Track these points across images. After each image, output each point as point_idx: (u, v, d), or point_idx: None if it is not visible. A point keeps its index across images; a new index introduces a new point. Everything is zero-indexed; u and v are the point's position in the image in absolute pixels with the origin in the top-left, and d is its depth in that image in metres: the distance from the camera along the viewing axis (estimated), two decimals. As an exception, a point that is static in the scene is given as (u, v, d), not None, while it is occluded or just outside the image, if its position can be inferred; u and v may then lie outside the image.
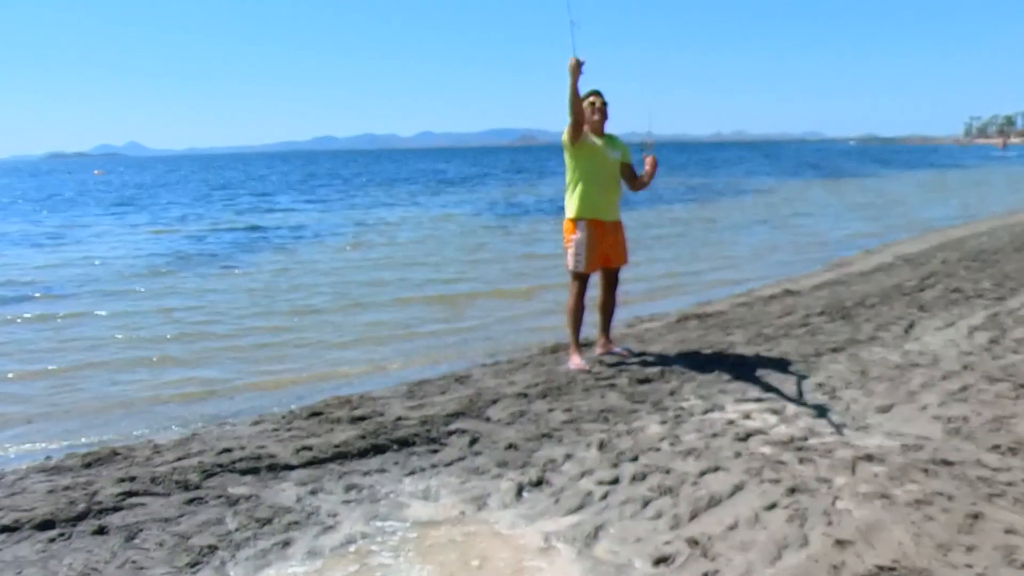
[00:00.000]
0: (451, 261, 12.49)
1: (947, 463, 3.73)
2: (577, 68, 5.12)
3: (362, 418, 4.60)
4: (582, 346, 5.85)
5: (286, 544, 3.15)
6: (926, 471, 3.64)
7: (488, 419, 4.61)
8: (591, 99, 5.50)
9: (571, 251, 5.53)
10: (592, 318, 5.98)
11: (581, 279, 5.61)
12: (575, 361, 5.63)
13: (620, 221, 5.73)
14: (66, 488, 3.65)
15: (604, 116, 5.56)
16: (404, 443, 4.22)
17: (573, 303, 5.64)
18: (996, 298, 7.74)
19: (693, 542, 3.06)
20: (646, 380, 5.29)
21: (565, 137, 5.44)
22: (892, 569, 2.80)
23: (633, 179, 5.75)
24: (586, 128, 5.48)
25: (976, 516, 3.18)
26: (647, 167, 5.64)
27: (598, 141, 5.53)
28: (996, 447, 3.92)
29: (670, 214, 20.56)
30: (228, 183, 48.17)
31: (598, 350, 5.95)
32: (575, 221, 5.52)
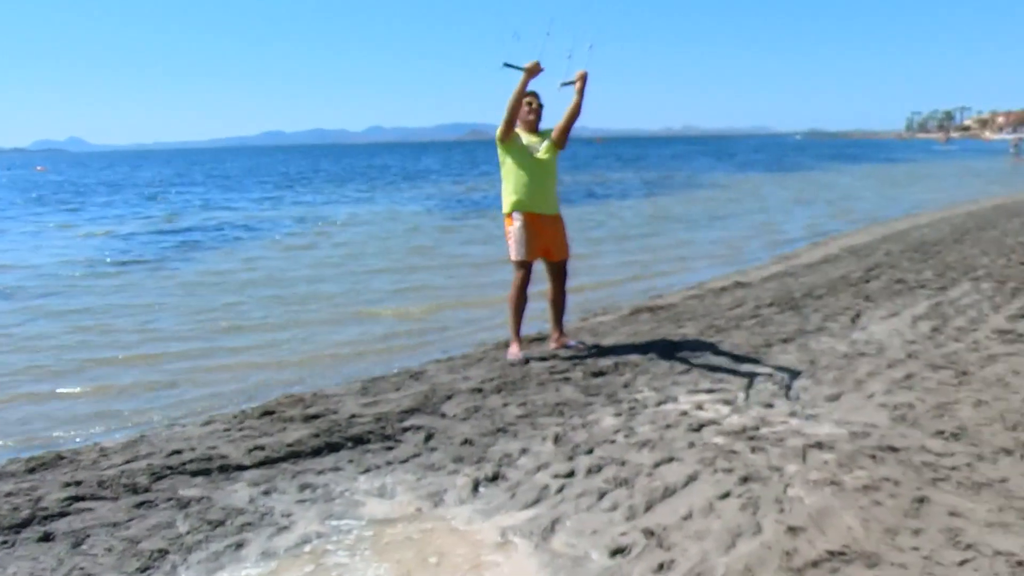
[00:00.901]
0: (400, 266, 11.80)
1: (893, 449, 3.82)
2: (535, 72, 5.36)
3: (315, 416, 4.55)
4: (538, 340, 5.88)
5: (239, 546, 3.10)
6: (873, 457, 3.73)
7: (443, 415, 4.59)
8: (528, 99, 5.66)
9: (511, 241, 5.69)
10: (545, 315, 6.02)
11: (524, 268, 5.72)
12: (513, 351, 5.73)
13: (559, 215, 5.86)
14: (8, 494, 3.53)
15: (538, 117, 5.74)
16: (359, 441, 4.18)
17: (515, 292, 5.74)
18: (938, 288, 7.96)
19: (649, 533, 3.09)
20: (600, 373, 5.33)
21: (498, 133, 5.62)
22: (842, 554, 2.86)
23: (568, 117, 5.69)
24: (519, 126, 5.68)
25: (922, 500, 3.27)
26: (576, 83, 5.59)
27: (530, 138, 5.70)
28: (940, 433, 4.04)
29: (628, 210, 20.73)
30: (170, 180, 46.95)
31: (552, 344, 5.99)
32: (511, 214, 5.67)
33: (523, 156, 5.63)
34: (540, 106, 5.72)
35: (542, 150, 5.66)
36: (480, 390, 5.01)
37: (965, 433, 4.02)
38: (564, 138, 5.74)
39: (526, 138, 5.68)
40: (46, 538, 3.15)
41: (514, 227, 5.64)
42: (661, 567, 2.85)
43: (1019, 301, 7.17)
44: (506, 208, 5.70)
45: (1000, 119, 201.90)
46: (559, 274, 5.92)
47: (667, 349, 5.92)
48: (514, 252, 5.67)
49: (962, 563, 2.79)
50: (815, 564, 2.81)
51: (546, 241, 5.72)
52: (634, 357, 5.70)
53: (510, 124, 5.57)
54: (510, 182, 5.66)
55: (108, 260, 13.15)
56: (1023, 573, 2.72)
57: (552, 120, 5.76)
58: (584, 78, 5.57)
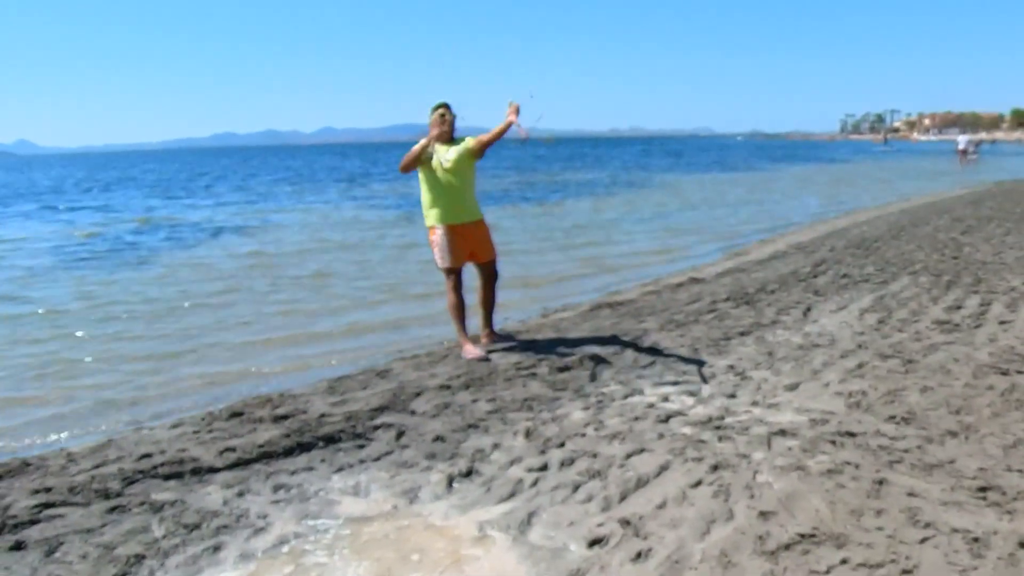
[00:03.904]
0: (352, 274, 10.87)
1: (851, 434, 3.98)
2: (428, 143, 5.73)
3: (285, 416, 4.53)
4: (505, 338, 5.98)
5: (216, 549, 3.08)
6: (834, 442, 3.87)
7: (413, 412, 4.61)
8: (441, 111, 5.84)
9: (436, 252, 5.91)
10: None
11: (452, 274, 5.91)
12: (469, 350, 5.81)
13: (481, 219, 6.01)
14: (-27, 504, 3.44)
15: (452, 128, 5.86)
16: (330, 440, 4.18)
17: (452, 297, 5.94)
18: (880, 282, 8.25)
19: (625, 522, 3.15)
20: (566, 368, 5.40)
21: (400, 168, 5.83)
22: (812, 536, 2.97)
23: (494, 136, 5.75)
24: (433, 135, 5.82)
25: (881, 482, 3.41)
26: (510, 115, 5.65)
27: (442, 148, 5.80)
28: (892, 418, 4.21)
29: (586, 208, 20.85)
30: (113, 183, 45.19)
31: (483, 341, 6.14)
32: (432, 227, 5.87)
33: (435, 171, 5.80)
34: (453, 117, 5.87)
35: (451, 160, 5.74)
36: (448, 387, 5.04)
37: (915, 417, 4.20)
38: (482, 151, 5.81)
39: (438, 150, 5.81)
40: (18, 547, 3.08)
41: (435, 238, 5.86)
42: (639, 555, 2.91)
43: (954, 293, 7.48)
44: (427, 221, 5.92)
45: (927, 121, 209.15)
46: (488, 275, 6.11)
47: (629, 343, 6.03)
48: (440, 260, 5.89)
49: (923, 541, 2.92)
50: (787, 547, 2.91)
51: (470, 245, 5.92)
52: (598, 352, 5.79)
53: (407, 168, 5.77)
54: (427, 196, 5.87)
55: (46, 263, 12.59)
56: (979, 549, 2.86)
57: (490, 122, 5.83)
58: (516, 111, 5.65)
